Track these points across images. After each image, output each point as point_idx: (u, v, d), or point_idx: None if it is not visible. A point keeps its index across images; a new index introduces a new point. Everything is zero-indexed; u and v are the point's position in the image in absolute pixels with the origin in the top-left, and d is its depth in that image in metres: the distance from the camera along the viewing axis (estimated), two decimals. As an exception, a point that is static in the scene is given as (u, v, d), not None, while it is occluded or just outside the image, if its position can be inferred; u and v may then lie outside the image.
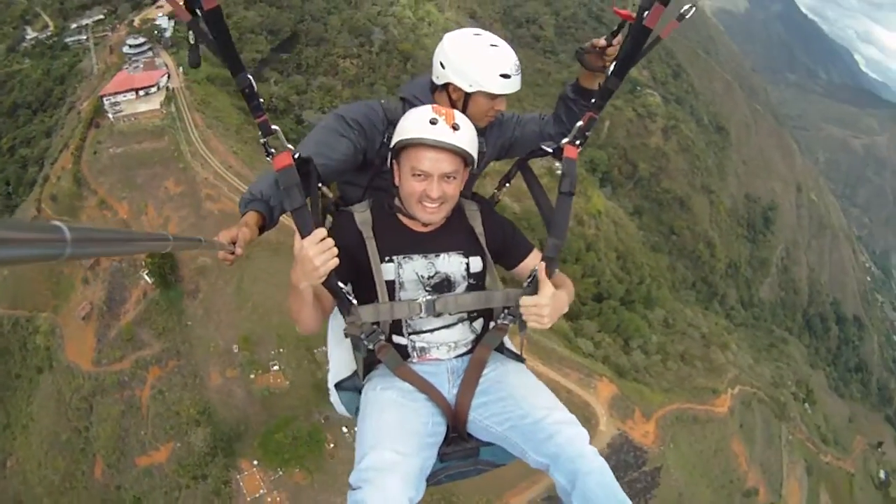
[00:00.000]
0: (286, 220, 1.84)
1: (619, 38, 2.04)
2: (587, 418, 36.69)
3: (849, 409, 64.22)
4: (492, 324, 2.11)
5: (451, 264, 2.02)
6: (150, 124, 44.27)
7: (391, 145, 1.90)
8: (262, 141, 1.70)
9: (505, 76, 2.01)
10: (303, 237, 1.68)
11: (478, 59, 2.01)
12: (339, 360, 2.25)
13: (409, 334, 2.02)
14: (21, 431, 37.66)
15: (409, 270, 1.98)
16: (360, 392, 2.08)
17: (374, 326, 1.94)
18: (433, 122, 1.81)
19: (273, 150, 1.71)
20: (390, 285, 1.96)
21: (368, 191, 2.27)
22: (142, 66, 49.01)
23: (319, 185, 2.02)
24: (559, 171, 1.94)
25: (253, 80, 1.60)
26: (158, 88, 46.92)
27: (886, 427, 69.77)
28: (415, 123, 1.83)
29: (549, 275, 1.92)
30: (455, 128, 1.83)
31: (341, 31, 62.44)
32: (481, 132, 2.07)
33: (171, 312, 36.34)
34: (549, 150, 2.03)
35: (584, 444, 1.69)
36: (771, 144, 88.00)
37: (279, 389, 34.33)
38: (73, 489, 35.39)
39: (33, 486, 36.24)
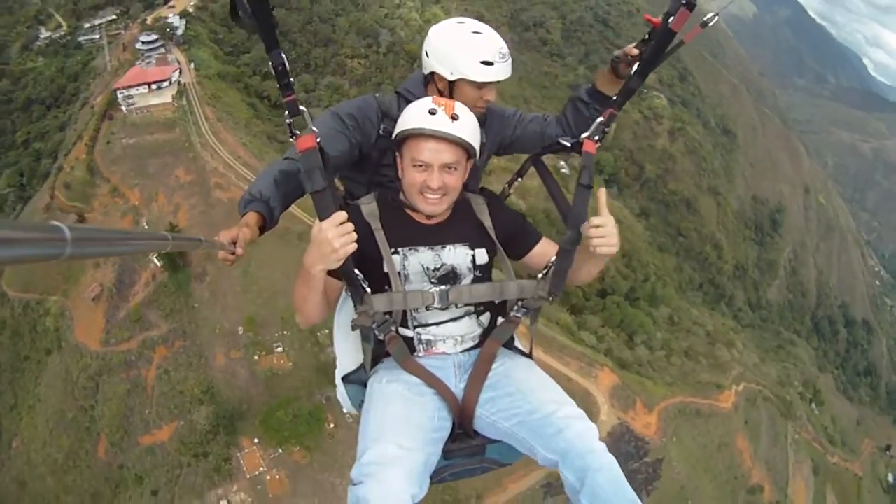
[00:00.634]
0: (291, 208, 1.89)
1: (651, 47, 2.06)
2: (588, 407, 37.94)
3: (857, 412, 64.75)
4: (500, 319, 2.14)
5: (457, 256, 2.05)
6: (162, 117, 46.89)
7: (393, 137, 1.95)
8: (287, 121, 1.73)
9: (487, 63, 2.04)
10: (322, 220, 1.71)
11: (458, 47, 2.06)
12: (346, 355, 2.28)
13: (415, 327, 2.05)
14: (27, 412, 39.47)
15: (415, 262, 2.02)
16: (365, 385, 2.09)
17: (386, 316, 1.96)
18: (432, 112, 1.87)
19: (297, 132, 1.75)
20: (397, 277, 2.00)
21: (371, 186, 2.32)
22: (154, 61, 51.88)
23: None
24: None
25: (286, 59, 1.62)
26: (170, 83, 49.64)
27: (895, 431, 70.01)
28: (415, 115, 1.89)
29: (566, 266, 1.98)
30: (454, 118, 1.89)
31: (349, 32, 65.45)
32: (480, 124, 2.07)
33: (178, 295, 38.31)
34: (568, 144, 2.07)
35: (595, 440, 1.72)
36: (778, 147, 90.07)
37: (282, 370, 35.98)
38: (77, 468, 37.04)
39: (37, 465, 37.93)
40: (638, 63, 1.91)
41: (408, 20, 69.34)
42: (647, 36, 2.01)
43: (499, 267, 2.19)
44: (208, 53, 55.15)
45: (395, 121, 2.11)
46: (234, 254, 1.81)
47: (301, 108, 1.70)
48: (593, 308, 48.76)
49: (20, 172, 52.95)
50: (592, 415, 37.83)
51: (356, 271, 1.87)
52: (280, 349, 36.46)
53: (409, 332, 2.05)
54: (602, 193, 1.94)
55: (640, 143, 68.63)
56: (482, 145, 2.15)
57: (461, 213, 2.12)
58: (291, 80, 1.66)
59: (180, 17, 57.42)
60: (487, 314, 2.13)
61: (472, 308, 2.07)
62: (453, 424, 1.95)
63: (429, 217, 2.05)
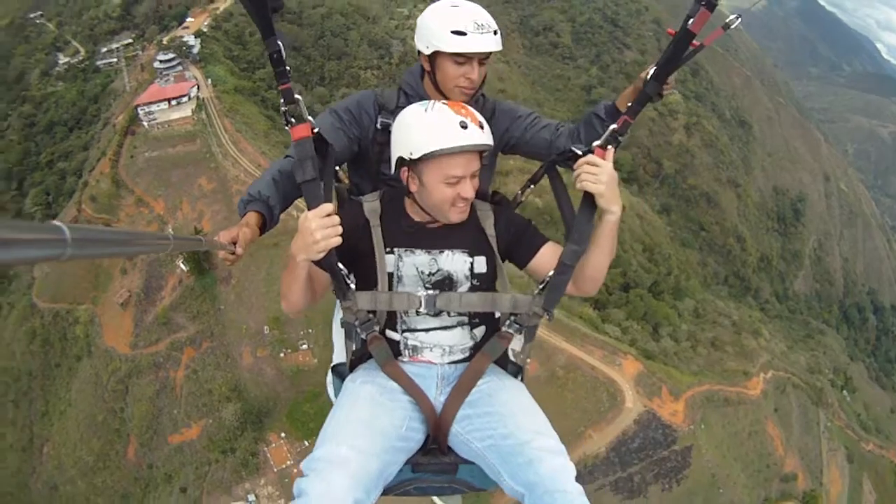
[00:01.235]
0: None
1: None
2: (612, 394, 38.99)
3: (891, 400, 64.28)
4: (493, 333, 2.09)
5: (455, 262, 2.03)
6: (183, 130, 49.87)
7: (414, 157, 1.85)
8: (282, 109, 1.75)
9: (459, 33, 2.03)
10: (309, 210, 1.75)
11: (432, 18, 2.09)
12: (340, 347, 2.29)
13: (403, 331, 2.05)
14: (59, 418, 41.71)
15: (410, 264, 2.01)
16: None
17: (370, 315, 1.98)
18: (464, 125, 1.83)
19: (293, 120, 1.78)
20: (388, 278, 1.99)
21: (377, 182, 2.35)
22: (172, 79, 55.25)
23: (336, 168, 2.17)
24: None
25: (283, 46, 1.65)
26: (189, 98, 52.81)
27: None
28: (443, 131, 1.82)
29: (563, 281, 1.96)
30: (482, 126, 1.88)
31: (361, 44, 68.79)
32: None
33: (205, 298, 40.56)
34: (580, 153, 1.99)
35: (569, 481, 1.66)
36: (795, 136, 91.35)
37: (308, 367, 37.77)
38: (106, 468, 39.07)
39: (67, 468, 40.00)
40: (654, 67, 1.88)
41: (418, 29, 72.80)
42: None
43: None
44: (224, 70, 58.45)
45: (392, 114, 2.16)
46: (234, 253, 1.84)
47: (297, 96, 1.73)
48: (617, 302, 49.88)
49: (46, 192, 56.30)
50: (618, 403, 38.84)
51: (340, 265, 1.88)
52: (305, 346, 38.31)
53: (395, 336, 2.05)
54: (610, 150, 1.93)
55: (656, 139, 70.42)
56: None
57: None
58: (287, 67, 1.70)
59: (195, 37, 61.09)
60: (482, 327, 2.11)
61: (465, 318, 2.06)
62: (427, 437, 1.94)
63: (432, 219, 2.02)
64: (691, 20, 1.71)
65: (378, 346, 1.99)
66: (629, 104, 1.97)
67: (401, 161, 1.91)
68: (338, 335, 2.33)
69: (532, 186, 2.32)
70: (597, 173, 1.85)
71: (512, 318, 2.02)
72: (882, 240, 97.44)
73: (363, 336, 2.00)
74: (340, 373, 2.22)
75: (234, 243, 1.85)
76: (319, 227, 1.70)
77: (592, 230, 1.93)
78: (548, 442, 1.76)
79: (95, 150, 53.65)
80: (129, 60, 63.91)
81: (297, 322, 38.77)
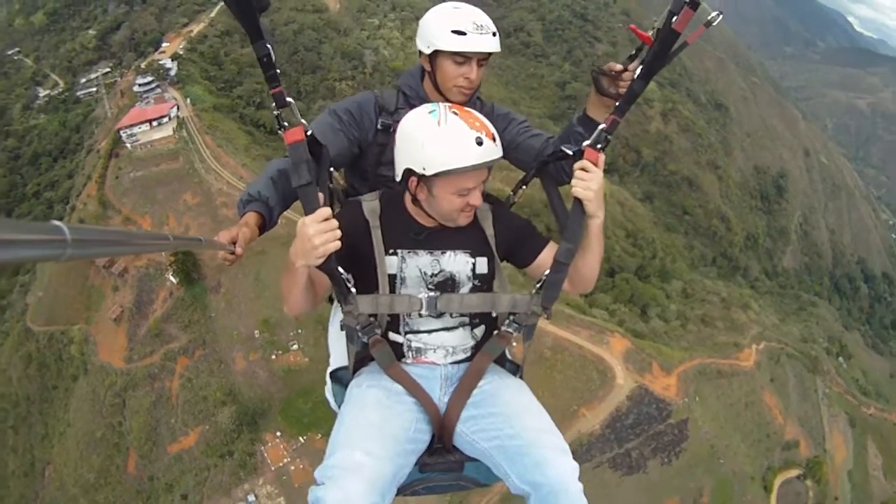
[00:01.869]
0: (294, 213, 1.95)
1: (636, 63, 2.06)
2: (602, 372, 40.55)
3: (889, 365, 65.89)
4: (495, 331, 2.18)
5: (457, 263, 2.10)
6: (165, 149, 52.18)
7: (427, 173, 1.89)
8: (275, 113, 1.79)
9: (458, 32, 2.13)
10: (306, 215, 1.77)
11: (434, 20, 2.20)
12: (338, 352, 2.35)
13: (406, 333, 2.12)
14: (58, 439, 43.15)
15: (413, 266, 2.07)
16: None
17: (371, 319, 2.03)
18: (479, 142, 1.86)
19: (286, 124, 1.80)
20: (391, 279, 2.04)
21: (375, 183, 2.43)
22: (152, 101, 57.82)
23: (330, 169, 2.19)
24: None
25: (272, 49, 1.67)
26: (170, 118, 55.21)
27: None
28: (462, 150, 1.85)
29: (559, 279, 2.06)
30: (494, 138, 1.92)
31: (334, 56, 71.72)
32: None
33: (195, 307, 42.42)
34: (570, 153, 2.08)
35: (572, 481, 1.76)
36: (772, 114, 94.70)
37: (299, 367, 39.51)
38: (108, 485, 40.46)
39: (69, 487, 41.35)
40: (641, 66, 1.92)
41: (389, 39, 75.75)
42: (633, 52, 2.05)
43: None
44: (202, 89, 61.11)
45: (392, 115, 2.31)
46: (233, 253, 1.90)
47: (288, 99, 1.77)
48: (602, 287, 51.54)
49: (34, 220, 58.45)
50: (608, 380, 40.43)
51: (341, 270, 1.91)
52: (295, 346, 40.07)
53: (399, 338, 2.12)
54: (601, 156, 1.99)
55: (633, 129, 73.15)
56: None
57: None
58: (277, 70, 1.73)
59: (172, 60, 63.99)
60: (482, 326, 2.20)
61: (466, 318, 2.14)
62: (432, 437, 2.02)
63: (434, 220, 2.08)
64: (675, 18, 1.76)
65: (380, 349, 2.05)
66: (617, 104, 2.01)
67: (410, 172, 1.94)
68: (336, 339, 2.39)
69: (524, 187, 2.45)
70: (588, 180, 1.94)
71: (511, 317, 2.10)
72: (868, 209, 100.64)
73: (365, 340, 2.05)
74: (340, 378, 2.29)
75: (234, 243, 1.90)
76: (318, 232, 1.74)
77: (585, 228, 2.01)
78: (553, 441, 1.86)
79: (81, 176, 55.85)
80: (108, 88, 66.45)
81: (287, 324, 40.60)
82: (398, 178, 2.02)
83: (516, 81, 78.47)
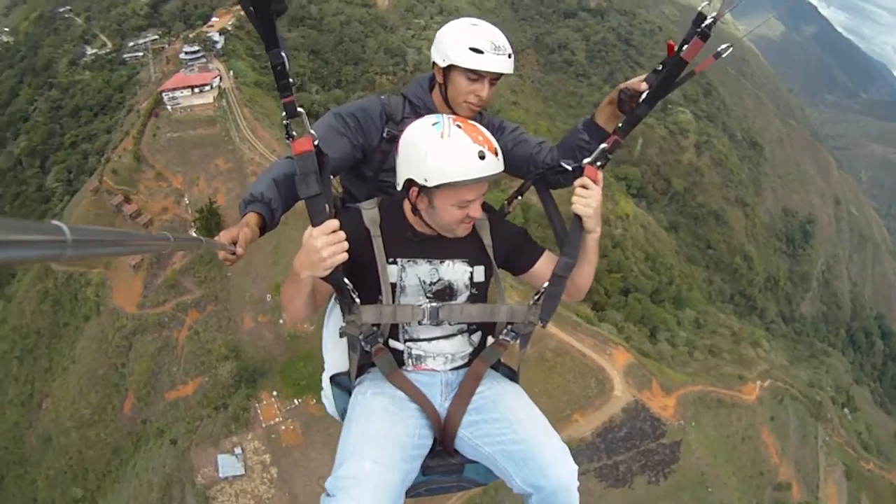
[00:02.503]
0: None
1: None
2: (601, 381, 41.78)
3: (895, 425, 65.74)
4: (490, 339, 2.33)
5: (456, 272, 2.23)
6: (204, 115, 55.64)
7: (429, 185, 1.97)
8: (284, 122, 1.86)
9: (476, 50, 2.23)
10: (314, 226, 1.85)
11: (452, 33, 2.30)
12: (334, 357, 2.50)
13: (406, 341, 2.25)
14: (61, 374, 45.80)
15: (412, 275, 2.19)
16: (350, 393, 2.29)
17: (374, 328, 2.15)
18: (482, 156, 1.95)
19: (294, 134, 1.88)
20: (392, 288, 2.16)
21: (374, 190, 2.54)
22: (197, 69, 61.68)
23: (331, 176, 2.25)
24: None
25: (287, 59, 1.73)
26: (211, 87, 58.87)
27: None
28: (464, 163, 1.94)
29: (558, 292, 2.20)
30: (496, 152, 2.01)
31: (378, 51, 75.43)
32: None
33: (213, 265, 45.01)
34: (569, 168, 2.21)
35: (573, 484, 1.96)
36: (806, 158, 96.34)
37: (305, 333, 41.63)
38: (101, 422, 42.87)
39: (63, 421, 43.74)
40: (647, 91, 2.05)
41: (433, 40, 79.45)
42: (659, 67, 2.12)
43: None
44: (245, 65, 64.79)
45: (398, 124, 2.41)
46: (234, 254, 1.96)
47: (299, 109, 1.84)
48: (615, 304, 53.03)
49: (68, 169, 62.24)
50: (606, 391, 41.69)
51: (346, 280, 2.03)
52: (304, 315, 42.34)
53: (399, 345, 2.25)
54: (600, 174, 2.13)
55: (666, 157, 75.28)
56: None
57: None
58: (291, 80, 1.80)
59: (219, 34, 68.16)
60: (479, 333, 2.34)
61: (464, 326, 2.27)
62: (434, 441, 2.17)
63: (433, 231, 2.17)
64: (685, 47, 1.88)
65: (383, 357, 2.18)
66: (619, 125, 2.17)
67: (411, 182, 2.03)
68: (332, 344, 2.52)
69: (520, 198, 2.57)
70: (587, 197, 2.09)
71: (508, 326, 2.25)
72: (892, 264, 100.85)
73: (367, 348, 2.17)
74: (339, 383, 2.42)
75: (235, 243, 1.96)
76: (326, 244, 1.83)
77: (583, 243, 2.16)
78: (556, 445, 2.02)
79: (119, 132, 59.59)
80: (155, 53, 70.81)
81: (299, 290, 42.94)
82: (399, 187, 2.11)
83: (555, 97, 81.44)
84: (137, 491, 39.66)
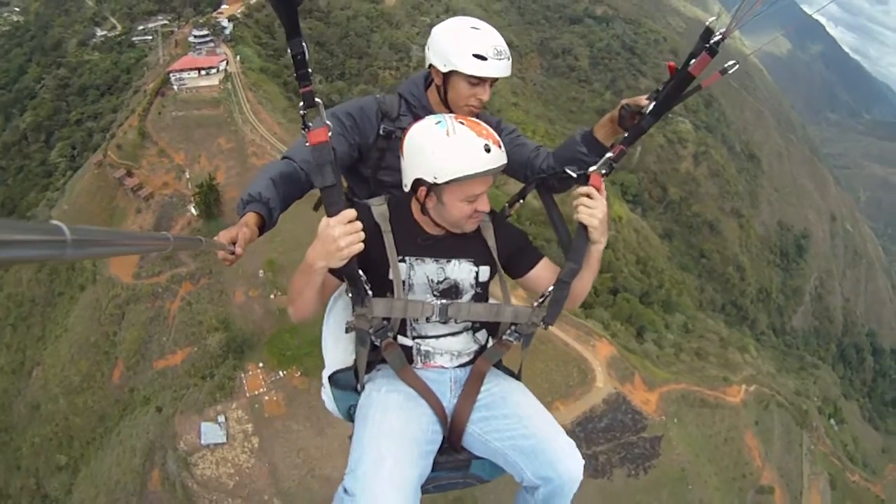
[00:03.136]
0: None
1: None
2: (583, 371, 42.78)
3: (883, 441, 66.56)
4: (493, 338, 2.40)
5: (462, 271, 2.29)
6: (209, 96, 57.64)
7: (438, 182, 2.03)
8: (301, 112, 1.86)
9: (479, 57, 2.26)
10: (330, 216, 1.87)
11: (454, 38, 2.30)
12: (335, 355, 2.51)
13: (414, 337, 2.32)
14: (53, 342, 47.17)
15: (420, 273, 2.25)
16: (355, 391, 2.36)
17: (384, 322, 2.19)
18: (487, 149, 2.01)
19: (310, 124, 1.88)
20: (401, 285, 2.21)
21: (374, 187, 2.60)
22: (204, 52, 63.93)
23: None
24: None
25: (307, 48, 1.74)
26: (218, 70, 61.01)
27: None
28: (471, 158, 2.01)
29: (562, 297, 2.26)
30: (500, 145, 2.08)
31: (382, 46, 77.68)
32: None
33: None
34: (574, 175, 2.26)
35: (579, 475, 2.09)
36: (804, 174, 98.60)
37: (294, 308, 43.17)
38: (89, 389, 44.02)
39: (52, 388, 44.94)
40: (654, 103, 2.10)
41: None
42: (661, 87, 2.14)
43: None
44: (252, 52, 67.08)
45: (394, 122, 2.48)
46: (233, 254, 1.97)
47: (316, 99, 1.85)
48: (603, 303, 54.27)
49: (72, 146, 64.22)
50: (588, 381, 42.85)
51: (360, 272, 2.05)
52: (295, 290, 43.78)
53: (408, 342, 2.31)
54: (603, 185, 2.19)
55: (663, 165, 77.16)
56: None
57: None
58: (310, 70, 1.80)
59: (228, 20, 70.53)
60: (483, 331, 2.42)
61: (469, 324, 2.35)
62: (443, 438, 2.23)
63: (440, 229, 2.24)
64: (693, 61, 1.90)
65: (393, 352, 2.23)
66: (625, 135, 2.23)
67: (419, 181, 2.08)
68: (333, 342, 2.53)
69: (521, 201, 2.56)
70: (593, 207, 2.14)
71: (512, 327, 2.31)
72: (885, 282, 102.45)
73: (377, 343, 2.22)
74: (338, 381, 2.44)
75: (234, 243, 1.98)
76: (343, 233, 1.85)
77: (587, 252, 2.21)
78: (564, 439, 2.13)
79: (125, 111, 61.58)
80: (164, 37, 73.10)
81: (290, 269, 44.24)
82: (407, 188, 2.18)
83: (556, 101, 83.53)
84: (120, 457, 40.72)
